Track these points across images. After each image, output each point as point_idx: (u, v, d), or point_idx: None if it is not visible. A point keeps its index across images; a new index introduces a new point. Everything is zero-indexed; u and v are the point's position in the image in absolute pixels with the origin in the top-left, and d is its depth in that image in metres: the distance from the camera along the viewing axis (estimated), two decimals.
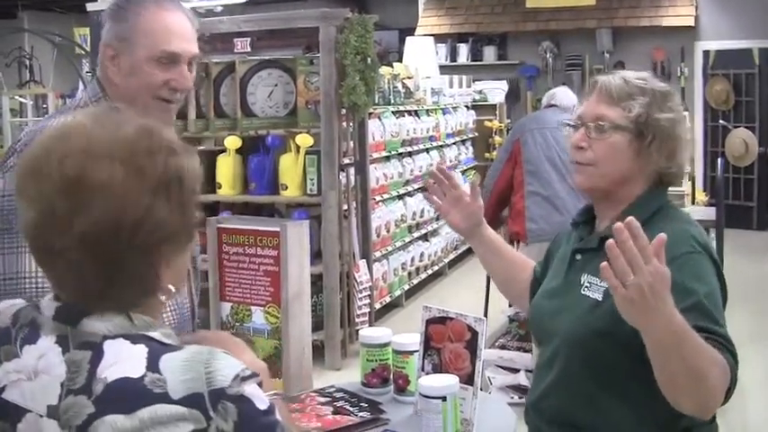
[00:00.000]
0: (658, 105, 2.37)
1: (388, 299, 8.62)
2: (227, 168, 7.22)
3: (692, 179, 8.03)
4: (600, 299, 2.30)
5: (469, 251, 11.52)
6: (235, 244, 3.18)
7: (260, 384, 1.53)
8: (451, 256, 10.86)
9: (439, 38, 14.54)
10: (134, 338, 1.52)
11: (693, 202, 7.51)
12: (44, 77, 14.77)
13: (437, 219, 10.21)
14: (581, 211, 2.57)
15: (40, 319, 1.59)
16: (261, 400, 1.51)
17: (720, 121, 13.52)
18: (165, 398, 1.45)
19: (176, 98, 2.51)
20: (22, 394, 1.54)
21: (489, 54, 15.27)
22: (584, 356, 2.31)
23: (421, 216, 9.64)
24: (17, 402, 1.54)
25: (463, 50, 15.40)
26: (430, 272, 10.01)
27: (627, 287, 1.89)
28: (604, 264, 1.90)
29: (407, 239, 9.27)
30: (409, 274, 9.34)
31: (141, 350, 1.50)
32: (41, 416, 1.51)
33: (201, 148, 7.44)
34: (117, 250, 1.50)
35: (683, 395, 2.07)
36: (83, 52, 13.84)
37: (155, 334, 1.55)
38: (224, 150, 7.25)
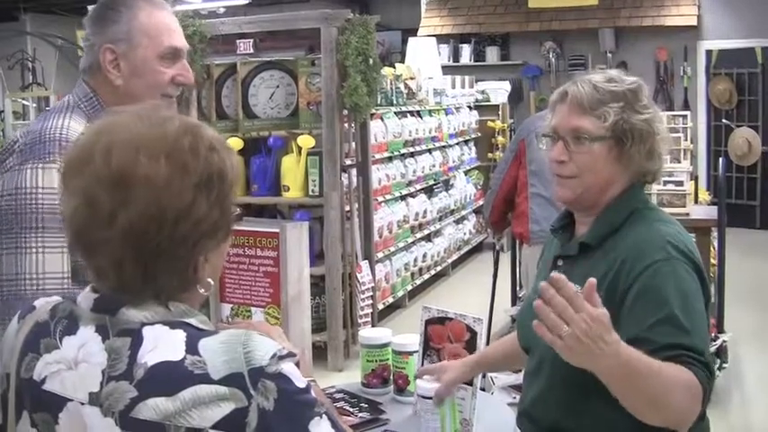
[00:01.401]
0: (632, 107, 2.34)
1: (390, 299, 8.62)
2: None
3: (695, 178, 8.01)
4: None
5: (472, 252, 11.54)
6: (234, 245, 3.19)
7: (297, 365, 1.55)
8: (454, 257, 10.85)
9: (441, 38, 14.54)
10: (172, 324, 1.56)
11: (696, 201, 7.48)
12: (46, 80, 14.79)
13: (440, 219, 10.21)
14: (559, 217, 2.55)
15: (79, 311, 1.63)
16: (298, 378, 1.53)
17: (723, 121, 13.51)
18: (205, 378, 1.48)
19: (177, 93, 2.55)
20: (62, 384, 1.57)
21: (492, 54, 15.25)
22: (570, 364, 2.30)
23: (423, 216, 9.64)
24: (58, 392, 1.57)
25: (466, 51, 15.38)
26: (433, 272, 10.00)
27: (563, 339, 1.90)
28: (536, 322, 1.93)
29: (410, 240, 9.27)
30: (412, 274, 9.34)
31: (180, 335, 1.54)
32: (83, 404, 1.53)
33: None
34: (158, 244, 1.53)
35: (649, 419, 2.11)
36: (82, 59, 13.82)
37: (191, 320, 1.59)
38: None
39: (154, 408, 1.47)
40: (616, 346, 1.95)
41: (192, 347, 1.51)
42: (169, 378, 1.49)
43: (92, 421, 1.52)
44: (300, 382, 1.53)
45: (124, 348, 1.53)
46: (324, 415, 1.55)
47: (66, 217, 1.59)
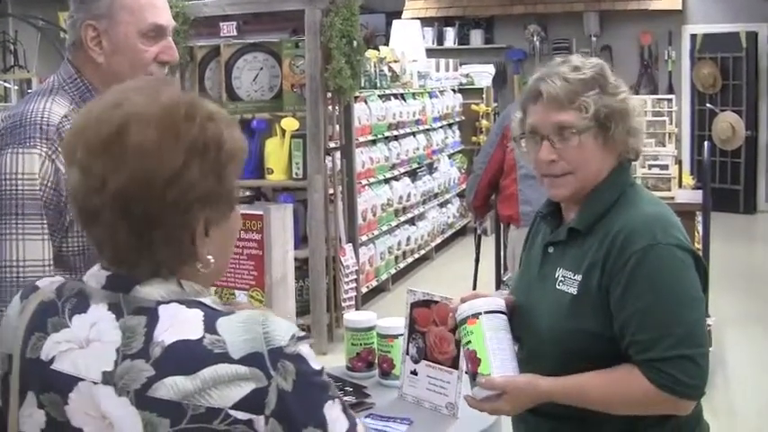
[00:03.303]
0: (605, 90, 2.30)
1: (374, 283, 8.61)
2: None
3: (679, 163, 8.02)
4: (575, 293, 2.28)
5: (456, 235, 11.55)
6: None
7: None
8: (438, 241, 10.85)
9: (425, 21, 14.50)
10: (188, 303, 1.54)
11: (680, 186, 7.49)
12: (28, 62, 14.68)
13: (424, 203, 10.20)
14: (546, 202, 2.51)
15: (89, 289, 1.60)
16: (314, 360, 1.53)
17: (708, 105, 13.54)
18: (225, 357, 1.46)
19: (163, 73, 2.49)
20: (73, 363, 1.54)
21: (476, 38, 15.23)
22: (563, 351, 2.29)
23: (407, 200, 9.63)
24: (68, 372, 1.53)
25: (450, 34, 15.35)
26: (417, 256, 10.00)
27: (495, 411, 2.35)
28: (469, 398, 2.34)
29: (394, 223, 9.26)
30: (396, 258, 9.33)
31: (197, 314, 1.52)
32: (95, 383, 1.50)
33: None
34: (148, 209, 1.50)
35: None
36: (67, 36, 13.72)
37: (206, 300, 1.57)
38: None
39: (172, 387, 1.45)
40: (543, 391, 2.25)
41: (210, 326, 1.49)
42: (188, 357, 1.46)
43: (105, 401, 1.49)
44: (316, 364, 1.53)
45: (139, 327, 1.51)
46: (336, 399, 1.54)
47: (69, 189, 1.59)
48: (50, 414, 1.56)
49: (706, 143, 7.44)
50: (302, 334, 1.52)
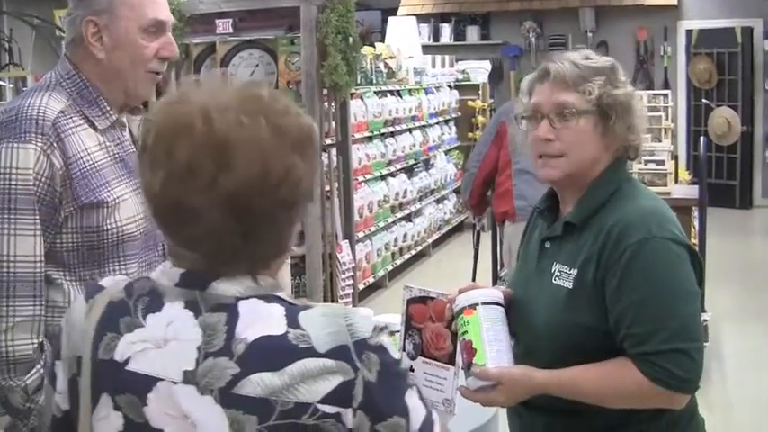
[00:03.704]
0: (612, 82, 2.33)
1: (371, 279, 8.62)
2: None
3: (675, 158, 8.02)
4: (571, 287, 2.28)
5: (453, 231, 11.55)
6: None
7: None
8: (435, 237, 10.86)
9: (421, 18, 14.50)
10: (267, 298, 1.53)
11: (677, 181, 7.50)
12: (23, 60, 14.65)
13: (420, 199, 10.20)
14: (544, 198, 2.52)
15: (161, 287, 1.57)
16: (394, 350, 1.53)
17: (703, 100, 13.54)
18: (312, 352, 1.45)
19: (163, 69, 2.49)
20: (150, 363, 1.51)
21: (472, 34, 15.22)
22: (560, 345, 2.29)
23: (404, 196, 9.63)
24: (146, 372, 1.51)
25: (446, 30, 15.35)
26: (413, 252, 10.01)
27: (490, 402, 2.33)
28: (463, 389, 2.34)
29: (390, 220, 9.26)
30: (392, 254, 9.34)
31: (277, 309, 1.51)
32: (175, 383, 1.48)
33: None
34: (262, 206, 1.50)
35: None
36: (63, 35, 13.69)
37: (281, 294, 1.56)
38: None
39: (259, 383, 1.44)
40: (537, 383, 2.25)
41: (292, 321, 1.48)
42: (273, 353, 1.45)
43: (186, 400, 1.47)
44: (395, 353, 1.53)
45: (220, 324, 1.49)
46: (414, 387, 1.55)
47: (151, 189, 1.52)
48: (128, 416, 1.53)
49: (702, 138, 7.46)
50: (382, 325, 1.53)
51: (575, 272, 2.28)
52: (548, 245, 2.42)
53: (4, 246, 2.22)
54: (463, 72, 12.44)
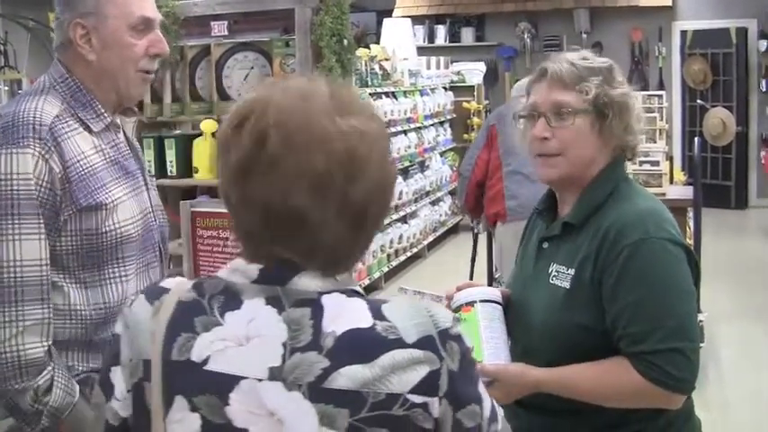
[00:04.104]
0: (609, 82, 2.34)
1: (367, 281, 8.61)
2: (203, 152, 7.14)
3: (671, 159, 8.03)
4: (568, 287, 2.29)
5: (448, 233, 11.55)
6: (209, 227, 3.15)
7: None
8: (430, 239, 10.85)
9: (416, 19, 14.50)
10: (347, 292, 1.53)
11: (672, 182, 7.51)
12: (18, 63, 14.64)
13: (415, 201, 10.20)
14: (543, 199, 2.54)
15: (236, 285, 1.55)
16: (468, 339, 1.56)
17: (698, 101, 13.56)
18: (400, 343, 1.46)
19: (154, 68, 2.49)
20: (231, 362, 1.49)
21: (467, 35, 15.24)
22: (558, 346, 2.29)
23: (399, 198, 9.62)
24: (227, 371, 1.49)
25: (441, 32, 15.37)
26: (409, 254, 10.00)
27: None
28: None
29: (386, 221, 9.25)
30: (388, 256, 9.33)
31: (360, 302, 1.52)
32: (260, 380, 1.47)
33: (178, 132, 7.38)
34: (379, 214, 1.55)
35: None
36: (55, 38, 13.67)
37: (357, 288, 1.58)
38: (200, 134, 7.19)
39: (351, 376, 1.44)
40: (535, 381, 2.26)
41: (377, 313, 1.49)
42: (363, 345, 1.46)
43: (272, 397, 1.46)
44: (469, 342, 1.55)
45: (305, 318, 1.48)
46: (479, 375, 1.58)
47: (265, 198, 1.49)
48: (207, 417, 1.50)
49: (696, 139, 7.45)
50: (457, 315, 1.54)
51: (572, 272, 2.28)
52: (545, 245, 2.43)
53: (11, 251, 2.23)
54: (458, 73, 12.45)
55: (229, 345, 1.51)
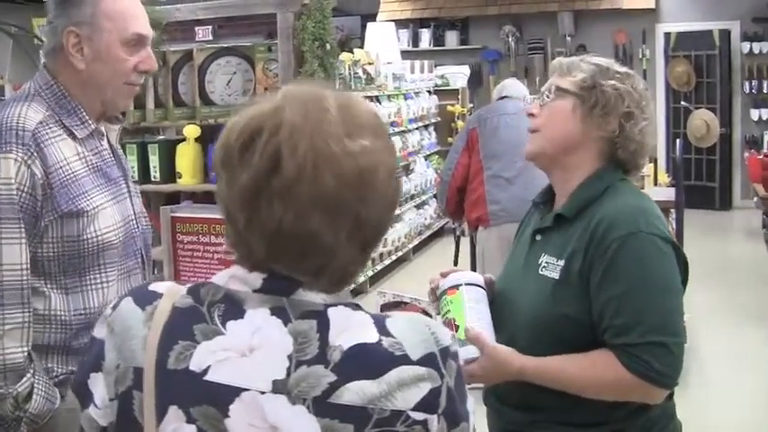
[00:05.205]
0: (604, 74, 2.39)
1: (351, 285, 8.59)
2: (187, 157, 7.14)
3: (654, 161, 8.06)
4: (557, 277, 2.30)
5: (433, 237, 11.55)
6: (189, 233, 3.15)
7: None
8: (415, 242, 10.85)
9: (401, 23, 14.52)
10: (351, 306, 1.52)
11: (656, 184, 7.54)
12: (0, 69, 14.59)
13: (400, 204, 10.19)
14: (542, 192, 2.58)
15: (239, 293, 1.50)
16: (461, 351, 1.59)
17: (682, 103, 13.59)
18: (406, 360, 1.45)
19: (141, 81, 2.52)
20: (233, 373, 1.45)
21: (451, 39, 15.26)
22: (542, 337, 2.30)
23: None
24: (228, 382, 1.44)
25: (425, 35, 15.39)
26: (394, 258, 10.00)
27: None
28: None
29: None
30: (372, 260, 9.33)
31: (365, 317, 1.50)
32: (263, 392, 1.43)
33: (161, 137, 7.37)
34: (383, 231, 1.54)
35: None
36: (41, 43, 13.65)
37: (356, 302, 1.56)
38: (183, 139, 7.18)
39: (358, 391, 1.41)
40: (517, 370, 2.27)
41: (382, 329, 1.47)
42: (370, 360, 1.43)
43: (275, 411, 1.42)
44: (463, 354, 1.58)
45: (311, 331, 1.45)
46: None
47: (275, 223, 1.45)
48: (203, 429, 1.45)
49: (678, 140, 7.47)
50: (452, 333, 1.54)
51: (562, 263, 2.31)
52: (538, 237, 2.46)
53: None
54: (442, 77, 12.45)
55: (232, 355, 1.46)
